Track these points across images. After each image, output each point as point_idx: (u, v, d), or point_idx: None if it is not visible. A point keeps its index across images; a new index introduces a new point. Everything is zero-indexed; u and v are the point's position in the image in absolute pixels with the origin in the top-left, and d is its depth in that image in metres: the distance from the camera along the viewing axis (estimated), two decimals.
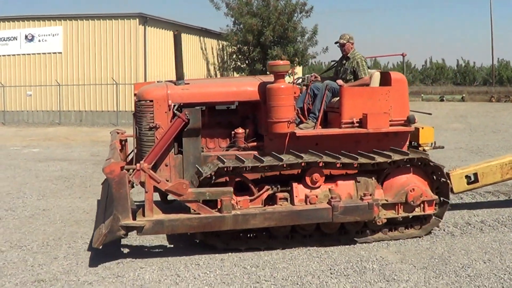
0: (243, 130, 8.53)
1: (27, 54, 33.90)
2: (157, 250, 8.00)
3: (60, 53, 32.94)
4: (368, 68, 9.40)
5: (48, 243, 8.25)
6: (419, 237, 8.40)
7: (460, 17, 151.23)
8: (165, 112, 8.12)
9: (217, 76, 39.11)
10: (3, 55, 34.44)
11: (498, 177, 9.56)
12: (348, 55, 9.44)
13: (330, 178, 8.11)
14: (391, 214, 8.19)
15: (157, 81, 9.18)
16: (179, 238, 8.30)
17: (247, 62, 36.42)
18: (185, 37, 36.39)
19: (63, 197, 11.59)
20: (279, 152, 8.08)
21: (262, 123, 8.39)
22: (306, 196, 7.82)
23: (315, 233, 8.12)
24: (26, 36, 33.90)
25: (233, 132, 8.50)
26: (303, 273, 6.91)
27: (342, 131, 8.39)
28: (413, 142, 9.15)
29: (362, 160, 8.00)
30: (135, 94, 8.63)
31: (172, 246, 8.20)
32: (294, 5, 35.35)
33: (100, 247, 7.15)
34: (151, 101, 8.15)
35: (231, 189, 7.52)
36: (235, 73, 37.04)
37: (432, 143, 9.20)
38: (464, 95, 56.95)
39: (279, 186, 7.93)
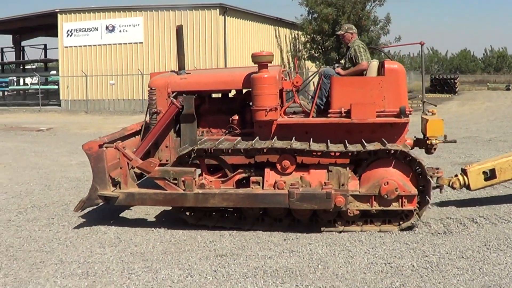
0: (238, 117, 8.91)
1: (108, 44, 34.94)
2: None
3: (141, 43, 33.85)
4: (375, 59, 9.45)
5: None
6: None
7: None
8: (166, 99, 8.85)
9: (290, 65, 39.52)
10: (84, 46, 35.54)
11: None
12: (349, 44, 9.54)
13: (304, 166, 8.16)
14: (365, 206, 8.00)
15: (171, 71, 9.68)
16: None
17: (321, 51, 36.74)
18: (261, 27, 37.05)
19: None
20: (266, 139, 8.43)
21: None
22: (275, 182, 7.97)
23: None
24: (107, 27, 34.96)
25: (230, 119, 8.95)
26: (462, 248, 7.28)
27: (325, 120, 8.45)
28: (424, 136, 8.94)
29: (296, 145, 7.98)
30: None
31: None
32: None
33: (79, 211, 8.57)
34: (154, 89, 8.96)
35: (193, 169, 8.07)
36: (309, 61, 37.41)
37: (443, 137, 8.98)
38: None
39: (252, 171, 8.24)
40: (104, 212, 9.49)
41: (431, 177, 8.20)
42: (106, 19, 35.25)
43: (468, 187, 9.05)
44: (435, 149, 8.95)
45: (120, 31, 34.66)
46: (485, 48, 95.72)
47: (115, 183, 8.41)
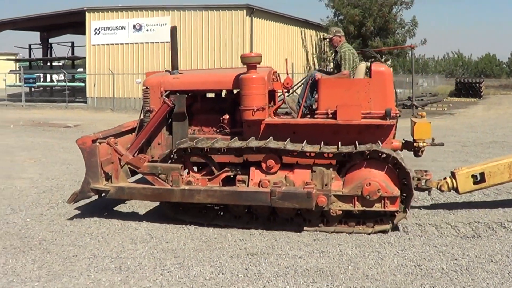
0: (229, 117, 9.07)
1: (135, 43, 35.15)
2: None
3: (168, 42, 33.91)
4: (363, 62, 9.53)
5: None
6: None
7: None
8: (158, 98, 9.09)
9: (315, 66, 39.58)
10: (112, 44, 35.82)
11: (506, 177, 8.99)
12: (337, 48, 9.59)
13: (289, 166, 8.24)
14: (348, 207, 8.02)
15: (165, 70, 9.84)
16: None
17: None
18: (287, 28, 37.13)
19: None
20: (255, 138, 8.58)
21: None
22: (260, 181, 8.09)
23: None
24: (134, 26, 35.14)
25: (221, 118, 9.11)
26: (491, 252, 7.32)
27: (311, 121, 8.58)
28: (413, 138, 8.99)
29: (270, 144, 8.05)
30: None
31: None
32: None
33: (72, 203, 8.98)
34: (148, 88, 9.21)
35: (180, 166, 8.33)
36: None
37: (430, 140, 9.05)
38: None
39: (238, 170, 8.37)
40: (134, 208, 9.67)
41: (417, 178, 8.72)
42: (133, 18, 35.37)
43: (456, 190, 9.02)
44: (422, 151, 9.01)
45: (147, 30, 34.78)
46: (510, 53, 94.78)
47: (108, 177, 8.70)
